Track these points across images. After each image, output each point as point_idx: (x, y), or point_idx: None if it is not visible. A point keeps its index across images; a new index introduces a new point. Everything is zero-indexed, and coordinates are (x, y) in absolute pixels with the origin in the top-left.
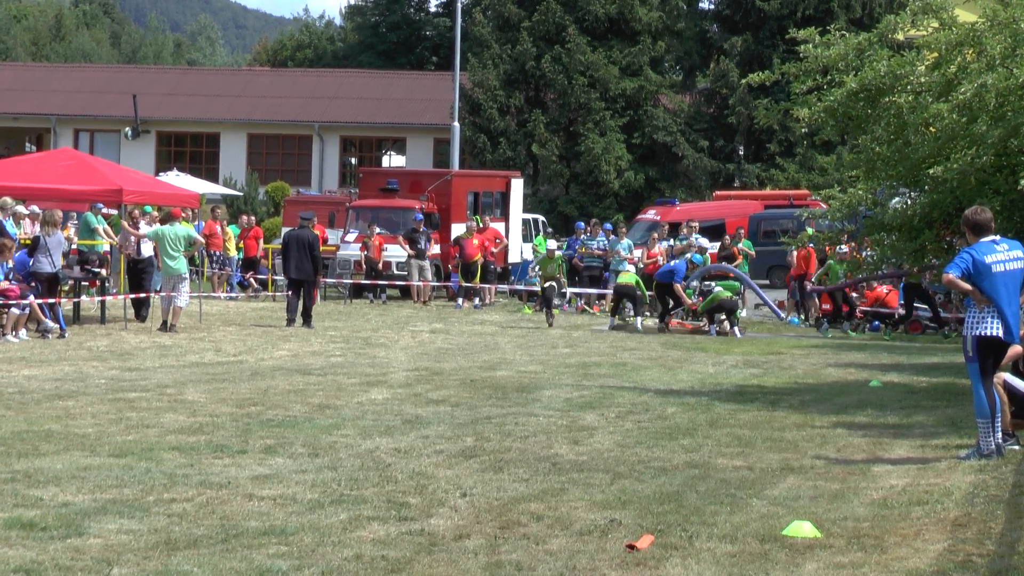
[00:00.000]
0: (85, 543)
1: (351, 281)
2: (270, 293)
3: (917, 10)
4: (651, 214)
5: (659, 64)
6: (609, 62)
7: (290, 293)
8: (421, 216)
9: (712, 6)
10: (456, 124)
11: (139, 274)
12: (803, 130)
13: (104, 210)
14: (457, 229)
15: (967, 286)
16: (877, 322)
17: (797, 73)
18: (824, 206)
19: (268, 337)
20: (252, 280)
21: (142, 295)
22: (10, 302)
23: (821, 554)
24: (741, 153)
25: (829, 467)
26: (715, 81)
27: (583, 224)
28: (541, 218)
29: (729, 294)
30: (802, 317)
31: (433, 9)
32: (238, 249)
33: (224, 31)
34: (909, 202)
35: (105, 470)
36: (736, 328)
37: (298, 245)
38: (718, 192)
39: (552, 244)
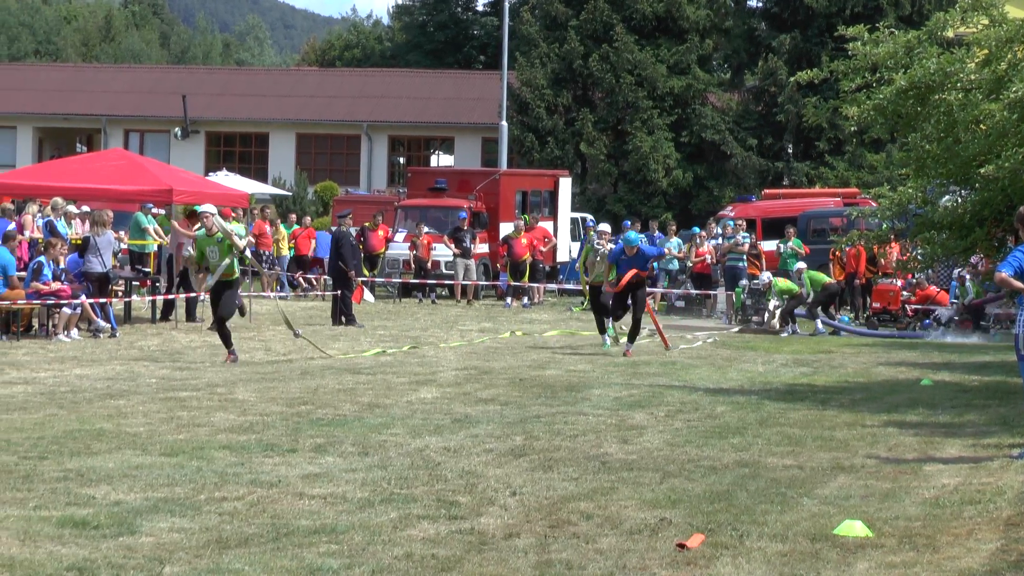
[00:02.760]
0: (137, 541)
1: (400, 280)
2: (320, 292)
3: (967, 7)
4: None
5: (707, 62)
6: (657, 60)
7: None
8: (465, 215)
9: (760, 4)
10: (504, 123)
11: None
12: (852, 128)
13: (153, 210)
14: (505, 228)
15: (1020, 284)
16: (928, 319)
17: (846, 71)
18: (874, 204)
19: (317, 336)
20: (301, 279)
21: (192, 295)
22: (62, 302)
23: (872, 553)
24: (790, 151)
25: (880, 466)
26: (763, 79)
27: (629, 223)
28: (589, 217)
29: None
30: (852, 316)
31: (481, 8)
32: (290, 248)
33: (272, 31)
34: (959, 200)
35: (156, 469)
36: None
37: (332, 244)
38: (767, 191)
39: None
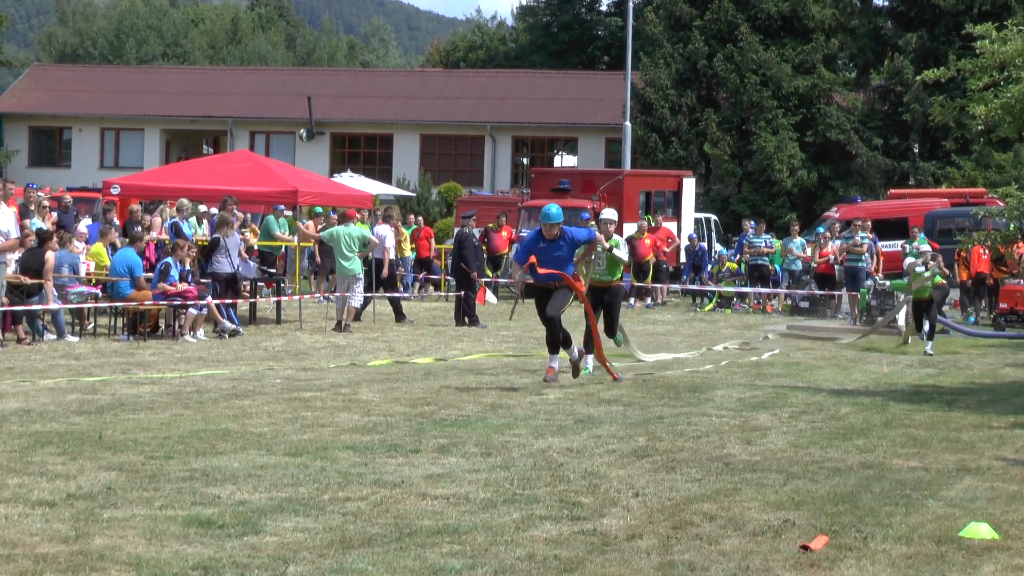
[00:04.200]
0: (261, 541)
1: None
2: (442, 293)
3: None
4: (834, 212)
5: (832, 61)
6: (782, 60)
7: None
8: (589, 215)
9: (886, 2)
10: (628, 124)
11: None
12: (979, 127)
13: (285, 212)
14: (629, 229)
15: None
16: None
17: (973, 69)
18: (1001, 204)
19: (441, 337)
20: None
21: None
22: (188, 303)
23: (999, 556)
24: (916, 151)
25: (1007, 468)
26: (889, 78)
27: (755, 223)
28: (713, 217)
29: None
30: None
31: (604, 9)
32: (412, 250)
33: (397, 32)
34: None
35: (281, 469)
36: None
37: (455, 245)
38: (892, 191)
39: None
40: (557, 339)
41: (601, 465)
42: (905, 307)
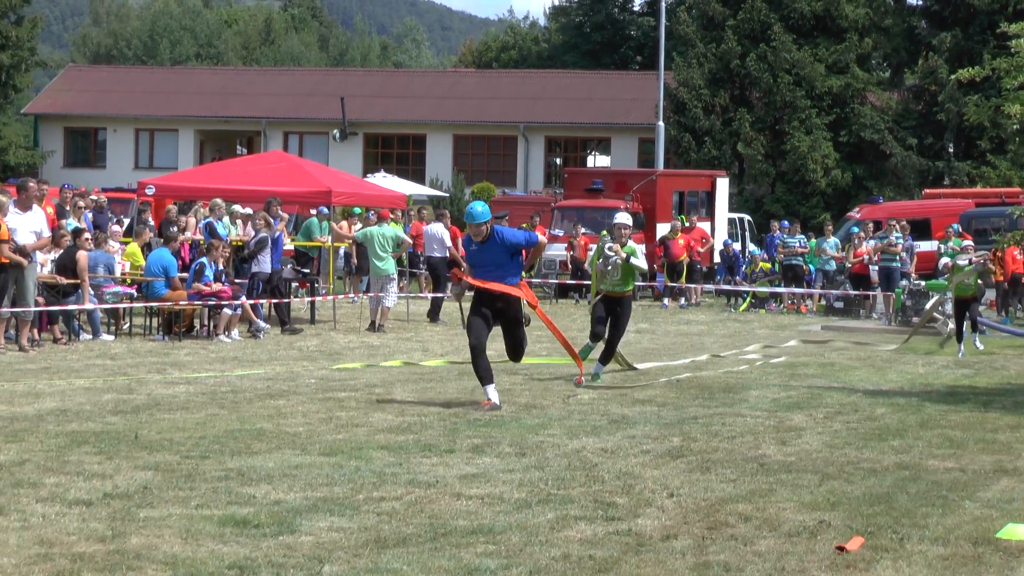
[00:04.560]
0: (297, 540)
1: (556, 281)
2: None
3: None
4: (856, 212)
5: (866, 61)
6: (815, 60)
7: None
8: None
9: (920, 2)
10: (661, 123)
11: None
12: (1015, 127)
13: (324, 212)
14: (662, 229)
15: None
16: None
17: (1008, 68)
18: None
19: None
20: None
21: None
22: (223, 303)
23: None
24: (951, 151)
25: None
26: (923, 78)
27: (787, 223)
28: (747, 217)
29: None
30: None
31: (637, 8)
32: None
33: (429, 33)
34: None
35: (316, 468)
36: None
37: None
38: (927, 190)
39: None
40: (480, 369)
41: (636, 465)
42: (945, 304)
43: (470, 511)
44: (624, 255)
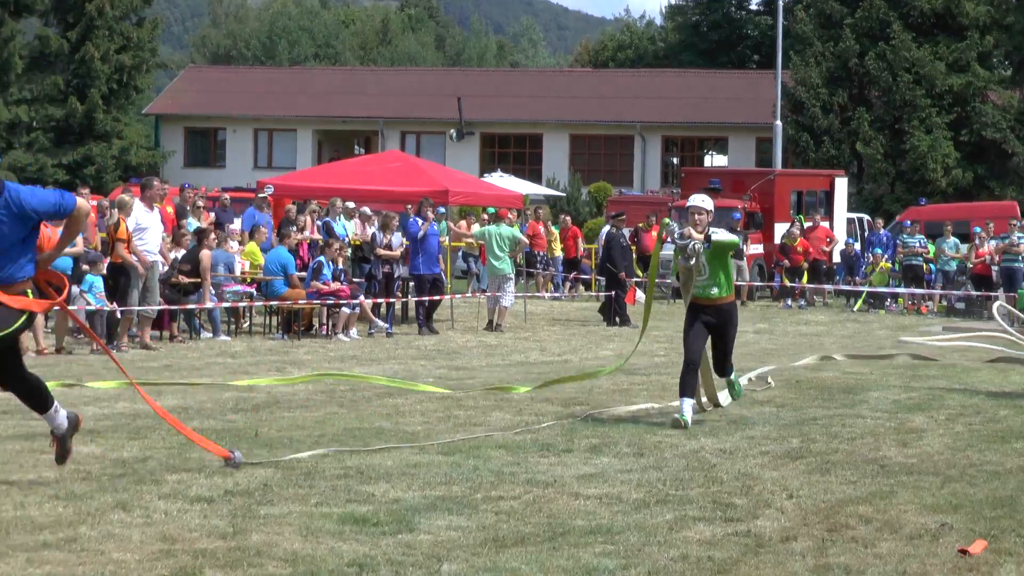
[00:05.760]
0: (415, 539)
1: (671, 281)
2: (594, 293)
3: None
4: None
5: (987, 59)
6: (935, 58)
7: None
8: (740, 215)
9: None
10: (778, 123)
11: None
12: None
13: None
14: (780, 228)
15: None
16: None
17: None
18: None
19: (592, 337)
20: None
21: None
22: (341, 302)
23: None
24: None
25: None
26: None
27: (908, 223)
28: (866, 217)
29: None
30: None
31: (754, 7)
32: (561, 250)
33: (545, 32)
34: None
35: (434, 467)
36: None
37: (603, 245)
38: None
39: None
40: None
41: (754, 466)
42: None
43: (588, 511)
44: (702, 236)
